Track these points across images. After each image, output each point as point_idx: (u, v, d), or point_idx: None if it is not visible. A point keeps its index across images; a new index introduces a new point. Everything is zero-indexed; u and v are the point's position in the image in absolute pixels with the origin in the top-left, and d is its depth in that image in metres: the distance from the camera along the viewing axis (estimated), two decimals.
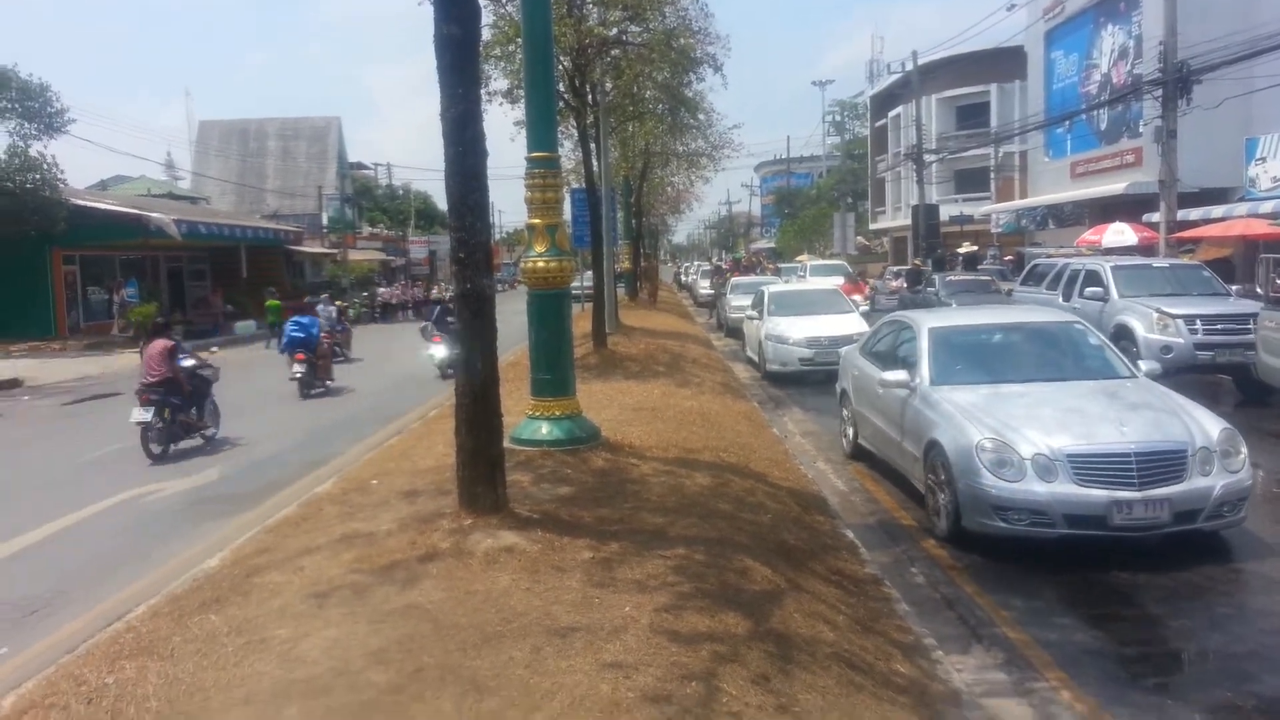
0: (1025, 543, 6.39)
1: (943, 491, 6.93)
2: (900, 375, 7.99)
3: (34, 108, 28.38)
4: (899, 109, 56.72)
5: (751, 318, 17.86)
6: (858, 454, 9.70)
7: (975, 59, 47.08)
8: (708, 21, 15.89)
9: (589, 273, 21.49)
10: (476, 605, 4.20)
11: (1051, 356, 8.32)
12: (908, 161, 47.46)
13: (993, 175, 49.39)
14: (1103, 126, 35.93)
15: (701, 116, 24.44)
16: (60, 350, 28.67)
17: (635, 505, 5.96)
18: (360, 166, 77.10)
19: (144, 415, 11.36)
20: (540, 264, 7.33)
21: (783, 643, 4.02)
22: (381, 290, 47.40)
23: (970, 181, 52.17)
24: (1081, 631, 5.28)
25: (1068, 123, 37.19)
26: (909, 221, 52.62)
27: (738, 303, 23.77)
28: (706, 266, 53.83)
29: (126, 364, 26.10)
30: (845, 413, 10.14)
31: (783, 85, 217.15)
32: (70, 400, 18.66)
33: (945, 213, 44.35)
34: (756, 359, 17.20)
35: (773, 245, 73.89)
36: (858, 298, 23.48)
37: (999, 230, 43.59)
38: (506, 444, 7.39)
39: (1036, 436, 6.49)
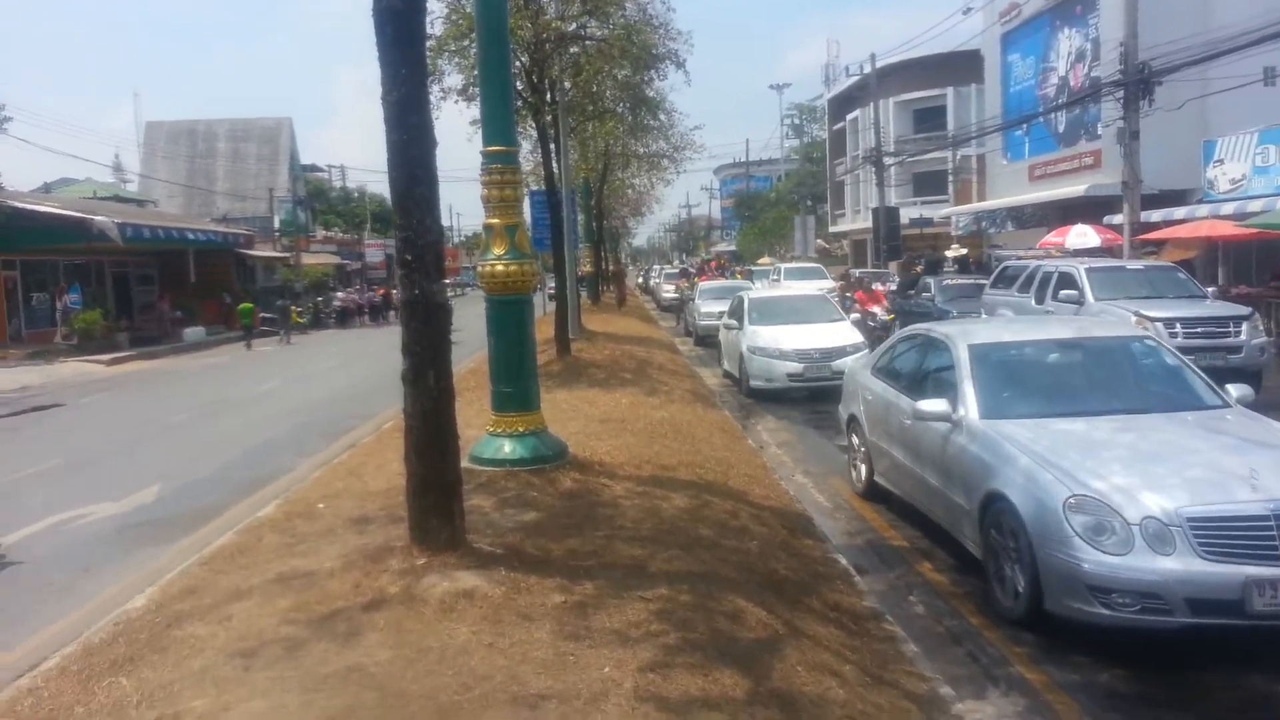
0: (1132, 633, 4.93)
1: (1012, 561, 5.37)
2: (939, 405, 6.39)
3: None
4: (857, 112, 56.80)
5: (730, 327, 15.96)
6: (874, 494, 8.03)
7: (932, 63, 47.24)
8: (669, 16, 15.37)
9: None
10: (430, 666, 3.58)
11: (1124, 381, 6.91)
12: (867, 164, 47.44)
13: (950, 178, 49.52)
14: (1061, 129, 36.04)
15: (663, 117, 23.96)
16: (0, 359, 27.44)
17: (609, 533, 5.38)
18: (314, 169, 75.74)
19: None
20: (499, 267, 6.71)
21: (788, 706, 3.46)
22: (339, 295, 46.31)
23: (929, 185, 52.36)
24: (1105, 671, 4.78)
25: (1025, 125, 37.29)
26: (869, 224, 52.81)
27: (708, 309, 22.65)
28: (671, 270, 53.29)
29: (71, 373, 25.06)
30: (854, 442, 8.52)
31: (740, 88, 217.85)
32: (6, 413, 17.66)
33: (905, 215, 44.34)
34: (736, 374, 15.40)
35: (733, 248, 73.68)
36: (877, 309, 20.52)
37: (959, 233, 43.66)
38: (466, 464, 6.78)
39: (1144, 493, 4.94)
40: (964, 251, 30.14)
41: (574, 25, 14.45)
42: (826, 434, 11.59)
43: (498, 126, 6.71)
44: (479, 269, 6.92)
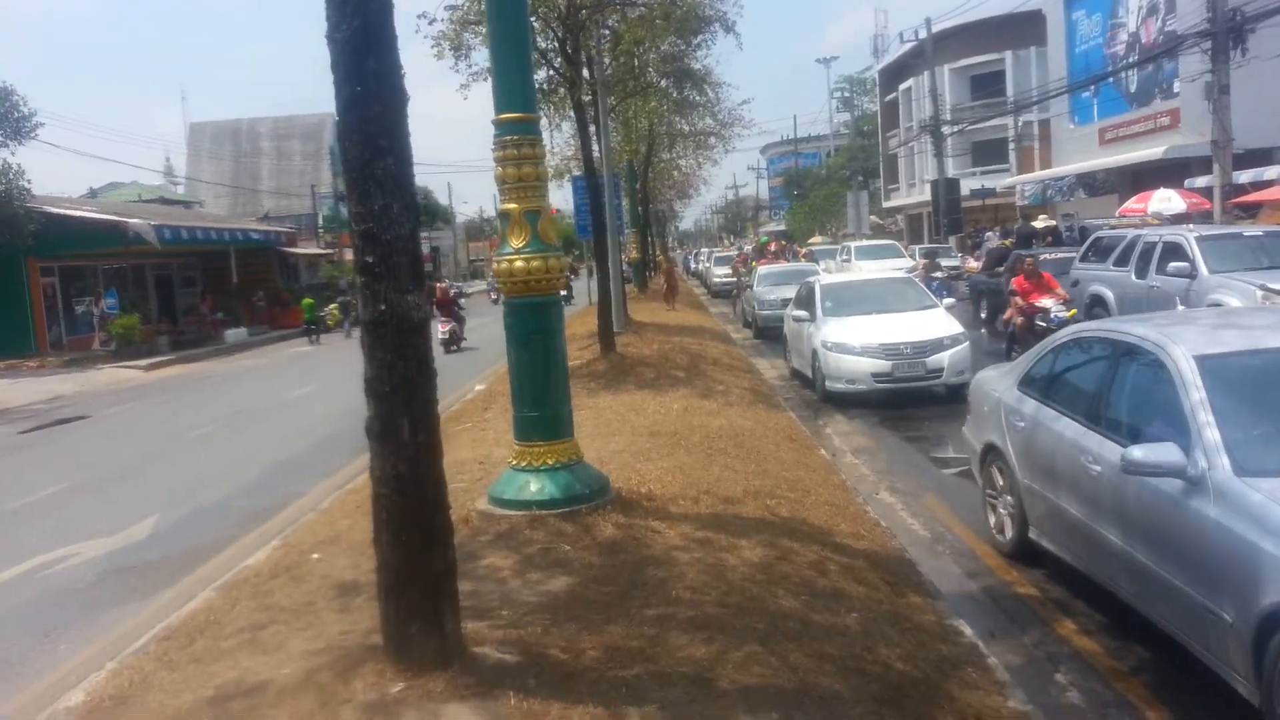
0: None
1: None
2: (1166, 454, 4.16)
3: None
4: (909, 82, 54.66)
5: (799, 319, 13.57)
6: (1026, 553, 5.96)
7: (988, 26, 45.10)
8: None
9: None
10: None
11: None
12: (923, 135, 45.41)
13: (1012, 146, 47.29)
14: (1133, 89, 33.84)
15: (710, 92, 22.49)
16: (37, 368, 26.99)
17: (662, 613, 4.08)
18: None
19: None
20: (518, 263, 5.43)
21: None
22: None
23: (988, 154, 50.16)
24: None
25: (1094, 86, 35.13)
26: (924, 198, 50.66)
27: (769, 296, 20.15)
28: (720, 252, 51.51)
29: (107, 380, 24.42)
30: (994, 482, 6.37)
31: (784, 64, 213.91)
32: (30, 427, 16.89)
33: (965, 187, 42.31)
34: (809, 374, 13.08)
35: (782, 228, 71.76)
36: (1049, 302, 13.81)
37: (1024, 202, 41.54)
38: (483, 505, 5.54)
39: None
40: (1053, 222, 27.96)
41: None
42: (909, 436, 10.17)
43: (512, 88, 5.42)
44: (494, 265, 5.64)
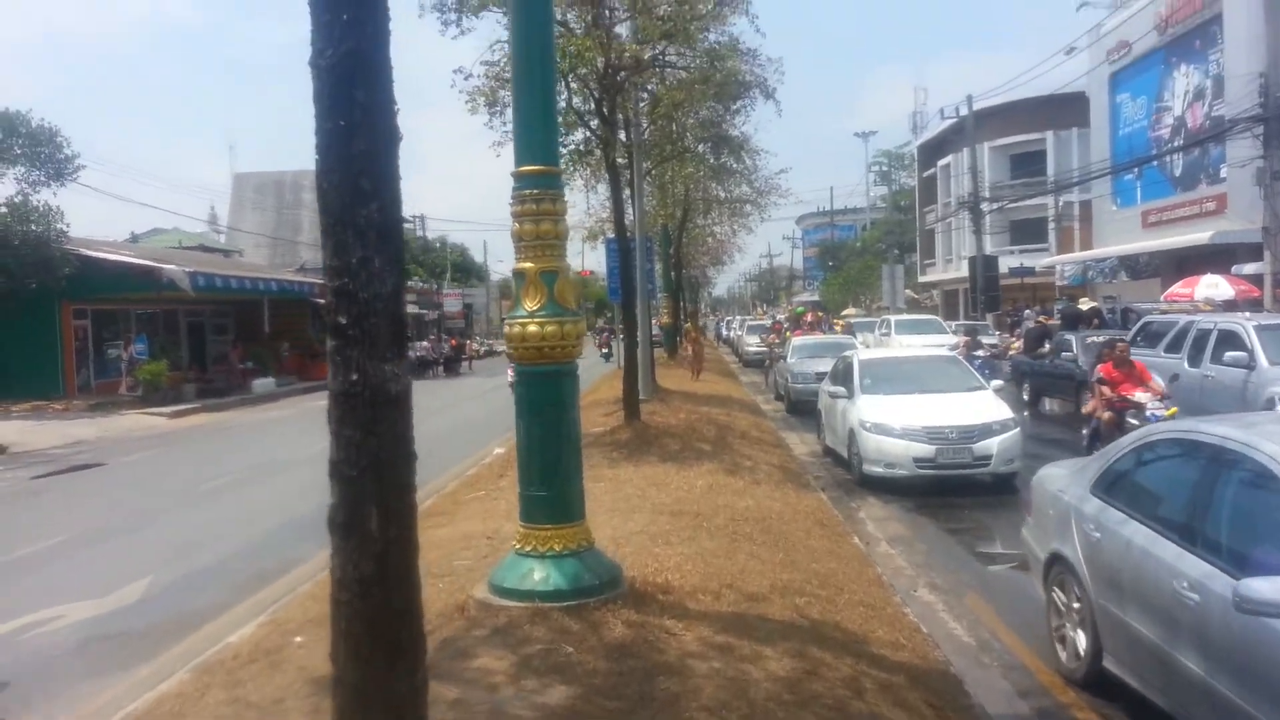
0: None
1: None
2: None
3: (43, 154, 27.20)
4: (948, 158, 54.64)
5: (835, 395, 12.74)
6: (1099, 681, 5.17)
7: (1029, 106, 45.13)
8: (759, 41, 13.72)
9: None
10: None
11: None
12: (961, 211, 45.09)
13: (1052, 225, 46.88)
14: (1177, 173, 33.41)
15: (747, 160, 22.29)
16: (63, 410, 26.91)
17: None
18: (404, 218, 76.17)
19: None
20: (532, 328, 4.98)
21: None
22: (418, 345, 45.35)
23: (1027, 233, 49.75)
24: None
25: (1138, 169, 34.76)
26: (960, 274, 50.17)
27: (803, 368, 19.25)
28: (753, 320, 51.07)
29: (129, 426, 24.22)
30: (1067, 599, 5.49)
31: (821, 136, 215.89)
32: (45, 472, 16.60)
33: (1003, 265, 41.76)
34: (844, 454, 12.32)
35: (816, 298, 71.38)
36: (1143, 396, 11.58)
37: (1064, 282, 40.93)
38: (482, 594, 5.00)
39: None
40: (1096, 303, 27.26)
41: (651, 51, 12.86)
42: (949, 527, 9.53)
43: (534, 138, 5.03)
44: (506, 329, 5.19)
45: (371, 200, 2.71)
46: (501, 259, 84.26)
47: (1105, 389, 11.28)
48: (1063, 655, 5.53)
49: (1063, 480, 5.90)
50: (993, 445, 10.69)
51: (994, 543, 9.25)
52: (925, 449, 10.81)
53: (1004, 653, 5.96)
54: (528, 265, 5.05)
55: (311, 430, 17.60)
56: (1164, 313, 15.72)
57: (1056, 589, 5.63)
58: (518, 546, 5.15)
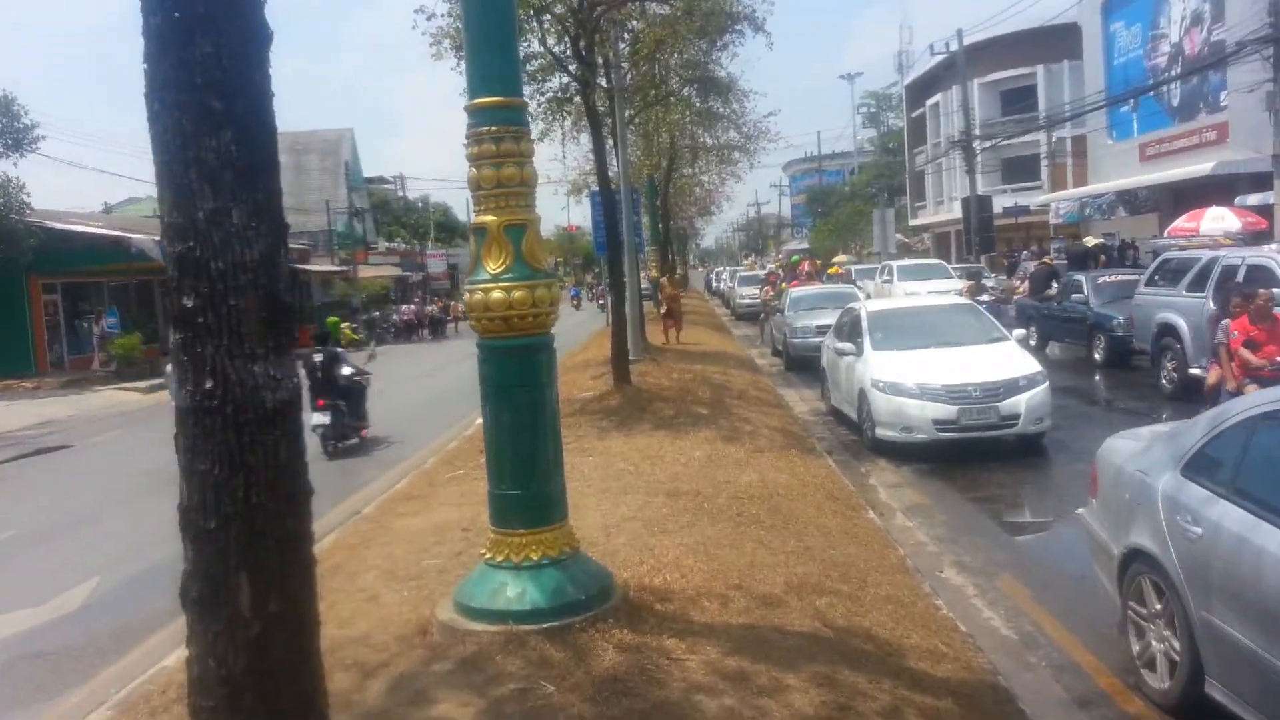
0: None
1: None
2: None
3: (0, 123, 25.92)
4: (937, 97, 53.38)
5: (843, 352, 11.49)
6: (1193, 707, 4.27)
7: (1019, 39, 43.95)
8: None
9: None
10: None
11: None
12: (954, 150, 43.98)
13: (1044, 162, 45.84)
14: (1175, 102, 32.41)
15: (735, 103, 21.25)
16: (34, 389, 26.01)
17: None
18: (381, 181, 74.70)
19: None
20: (496, 293, 4.12)
21: None
22: (401, 309, 44.33)
23: (1019, 171, 48.73)
24: None
25: (1134, 100, 33.74)
26: (951, 216, 49.19)
27: (803, 322, 17.77)
28: (744, 271, 49.98)
29: (103, 403, 23.34)
30: (1153, 604, 4.53)
31: (806, 80, 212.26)
32: (7, 458, 15.74)
33: (996, 204, 40.79)
34: (854, 416, 11.21)
35: (806, 246, 70.40)
36: None
37: (1059, 221, 40.05)
38: (447, 616, 4.21)
39: None
40: (1101, 239, 26.32)
41: None
42: (969, 492, 8.77)
43: (490, 63, 4.14)
44: (466, 296, 4.33)
45: (224, 127, 1.85)
46: None
47: (1244, 352, 8.97)
48: (1148, 676, 4.54)
49: (1140, 456, 4.84)
50: (1020, 403, 9.67)
51: (1020, 510, 8.51)
52: (946, 410, 9.74)
53: (1051, 649, 5.21)
54: (488, 219, 4.18)
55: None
56: (1182, 248, 14.86)
57: (1137, 590, 4.61)
58: (488, 555, 4.34)
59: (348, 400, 12.51)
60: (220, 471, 1.88)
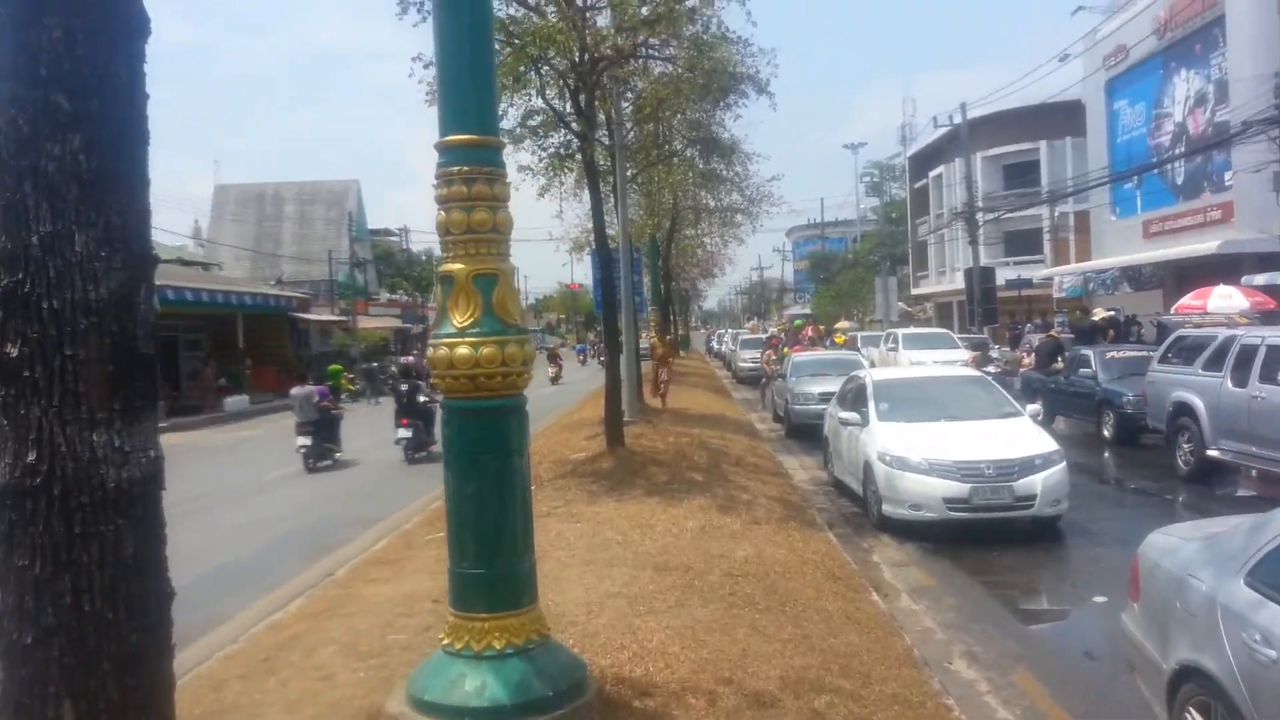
0: None
1: None
2: None
3: None
4: (940, 169, 53.78)
5: (847, 422, 10.97)
6: None
7: (1022, 115, 44.44)
8: (750, 31, 12.52)
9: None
10: None
11: None
12: (956, 222, 43.98)
13: (1047, 236, 45.89)
14: (1179, 181, 32.48)
15: (738, 166, 21.11)
16: None
17: None
18: (387, 233, 75.00)
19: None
20: (463, 350, 3.70)
21: None
22: (401, 360, 43.95)
23: (1021, 244, 48.81)
24: None
25: (1137, 178, 33.82)
26: (953, 286, 49.04)
27: (805, 389, 17.27)
28: (746, 335, 49.60)
29: None
30: None
31: (810, 147, 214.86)
32: None
33: (999, 276, 40.66)
34: (858, 489, 10.69)
35: (808, 311, 70.34)
36: None
37: (1062, 294, 39.93)
38: (398, 710, 3.72)
39: None
40: (1112, 313, 25.97)
41: (634, 38, 11.65)
42: (979, 574, 8.26)
43: (462, 97, 3.78)
44: (430, 351, 3.90)
45: (72, 130, 1.45)
46: None
47: None
48: None
49: (1192, 558, 4.20)
50: (1036, 483, 9.09)
51: (1034, 596, 7.99)
52: (957, 488, 9.13)
53: None
54: (456, 267, 3.77)
55: (276, 453, 16.15)
56: (1197, 325, 14.47)
57: (1192, 716, 3.92)
58: (446, 642, 3.86)
59: (424, 420, 15.45)
60: (42, 569, 1.45)
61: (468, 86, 3.79)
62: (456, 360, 3.72)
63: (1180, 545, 4.43)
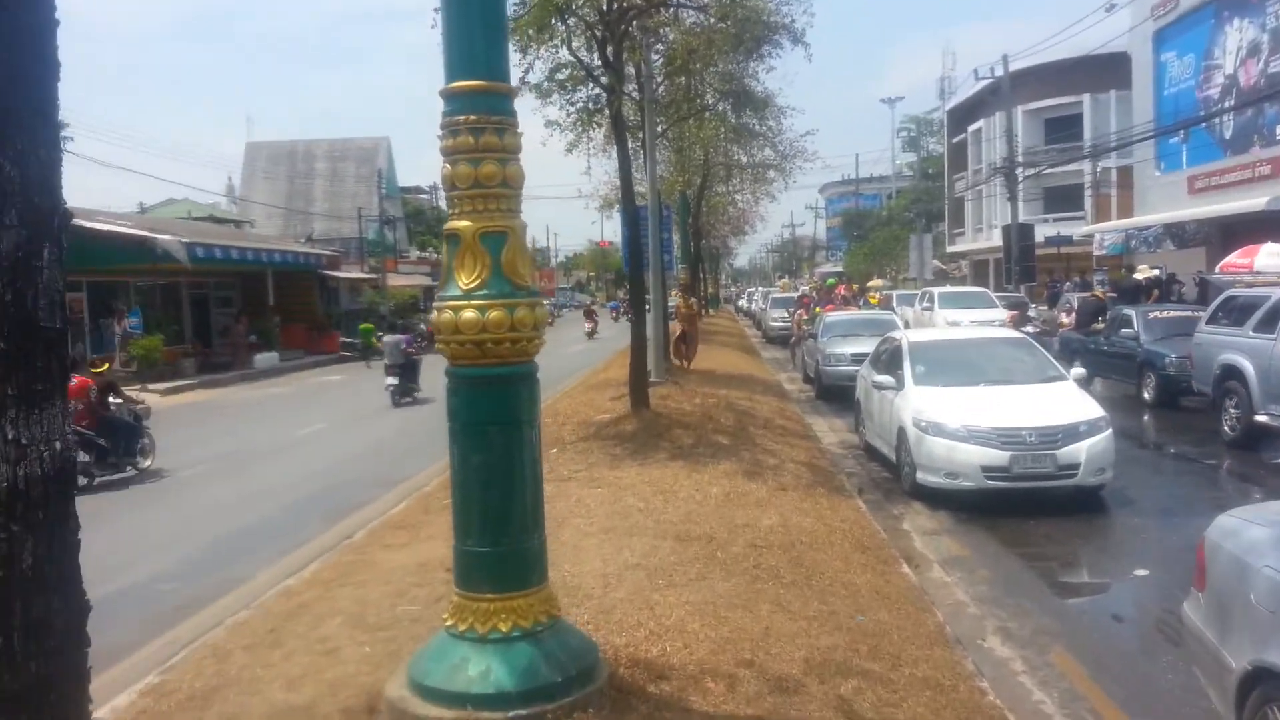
0: None
1: None
2: None
3: None
4: (979, 123, 52.56)
5: (881, 386, 10.49)
6: None
7: (1066, 67, 43.11)
8: None
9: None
10: None
11: None
12: (995, 177, 43.01)
13: (1089, 192, 44.82)
14: (1228, 135, 31.46)
15: (771, 120, 20.53)
16: None
17: None
18: (418, 190, 74.75)
19: None
20: (469, 313, 3.46)
21: None
22: (430, 317, 44.06)
23: (1061, 200, 47.80)
24: None
25: (1184, 132, 32.78)
26: (990, 244, 48.15)
27: (837, 350, 16.81)
28: (777, 293, 48.98)
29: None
30: None
31: (846, 103, 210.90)
32: None
33: (1038, 234, 39.77)
34: (892, 456, 10.25)
35: (840, 269, 69.52)
36: None
37: (1103, 252, 39.00)
38: (398, 694, 3.53)
39: None
40: (1156, 272, 25.23)
41: None
42: (1014, 544, 7.97)
43: (470, 38, 3.49)
44: (435, 315, 3.66)
45: None
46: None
47: None
48: None
49: (1272, 548, 3.74)
50: (1080, 451, 8.63)
51: (1072, 569, 7.68)
52: (997, 455, 8.67)
53: None
54: (462, 224, 3.51)
55: (305, 410, 16.15)
56: (1250, 286, 13.92)
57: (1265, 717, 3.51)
58: (450, 623, 3.65)
59: (408, 369, 18.63)
60: None
61: (476, 27, 3.50)
62: (462, 324, 3.47)
63: (1256, 533, 3.95)
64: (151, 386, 25.93)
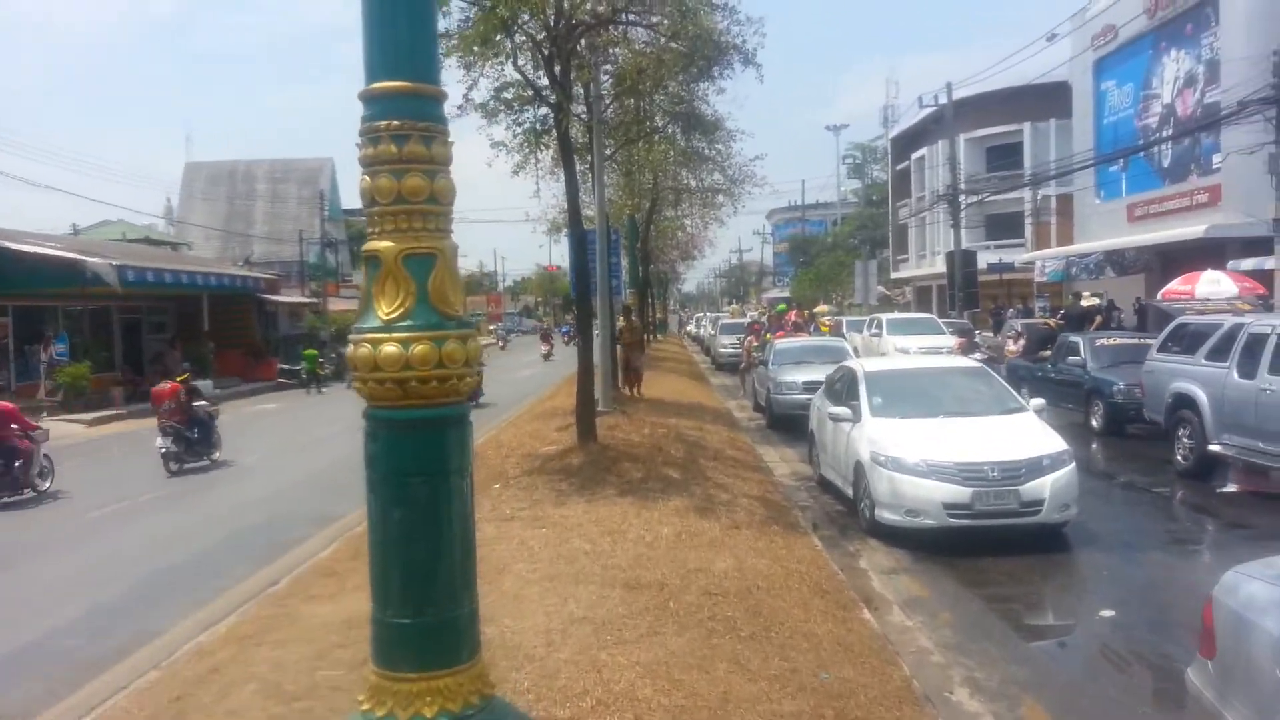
0: None
1: None
2: None
3: None
4: (922, 150, 53.40)
5: (837, 418, 10.08)
6: None
7: (1007, 96, 44.12)
8: None
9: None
10: None
11: None
12: (938, 204, 43.53)
13: (1029, 220, 45.64)
14: (1166, 164, 32.16)
15: (721, 145, 20.39)
16: None
17: None
18: (361, 213, 73.58)
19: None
20: (389, 348, 2.98)
21: None
22: None
23: (1003, 227, 48.64)
24: None
25: (1123, 160, 33.45)
26: (935, 270, 48.70)
27: (789, 378, 16.37)
28: (727, 318, 48.82)
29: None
30: None
31: (792, 130, 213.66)
32: None
33: (980, 260, 40.26)
34: (850, 492, 9.80)
35: (787, 294, 69.91)
36: None
37: (1044, 279, 39.65)
38: None
39: None
40: (1096, 299, 25.55)
41: (614, 2, 10.94)
42: (974, 583, 7.65)
43: (395, 34, 3.06)
44: (350, 349, 3.20)
45: None
46: (465, 253, 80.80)
47: None
48: None
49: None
50: (1044, 487, 8.31)
51: (1037, 610, 7.39)
52: (959, 492, 8.28)
53: None
54: (384, 245, 3.05)
55: (235, 442, 15.30)
56: (1200, 313, 13.92)
57: None
58: (366, 708, 3.16)
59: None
60: None
61: (401, 20, 3.06)
62: (382, 360, 3.00)
63: (1267, 592, 3.52)
64: (77, 416, 24.84)
